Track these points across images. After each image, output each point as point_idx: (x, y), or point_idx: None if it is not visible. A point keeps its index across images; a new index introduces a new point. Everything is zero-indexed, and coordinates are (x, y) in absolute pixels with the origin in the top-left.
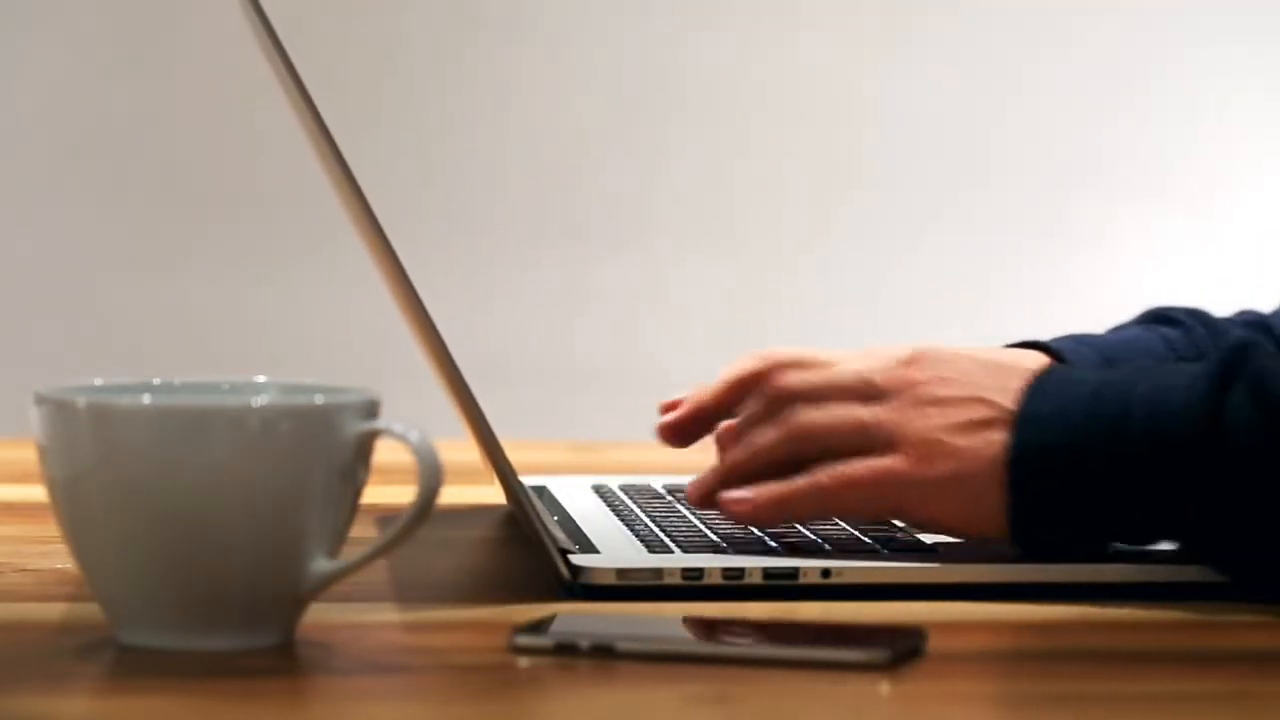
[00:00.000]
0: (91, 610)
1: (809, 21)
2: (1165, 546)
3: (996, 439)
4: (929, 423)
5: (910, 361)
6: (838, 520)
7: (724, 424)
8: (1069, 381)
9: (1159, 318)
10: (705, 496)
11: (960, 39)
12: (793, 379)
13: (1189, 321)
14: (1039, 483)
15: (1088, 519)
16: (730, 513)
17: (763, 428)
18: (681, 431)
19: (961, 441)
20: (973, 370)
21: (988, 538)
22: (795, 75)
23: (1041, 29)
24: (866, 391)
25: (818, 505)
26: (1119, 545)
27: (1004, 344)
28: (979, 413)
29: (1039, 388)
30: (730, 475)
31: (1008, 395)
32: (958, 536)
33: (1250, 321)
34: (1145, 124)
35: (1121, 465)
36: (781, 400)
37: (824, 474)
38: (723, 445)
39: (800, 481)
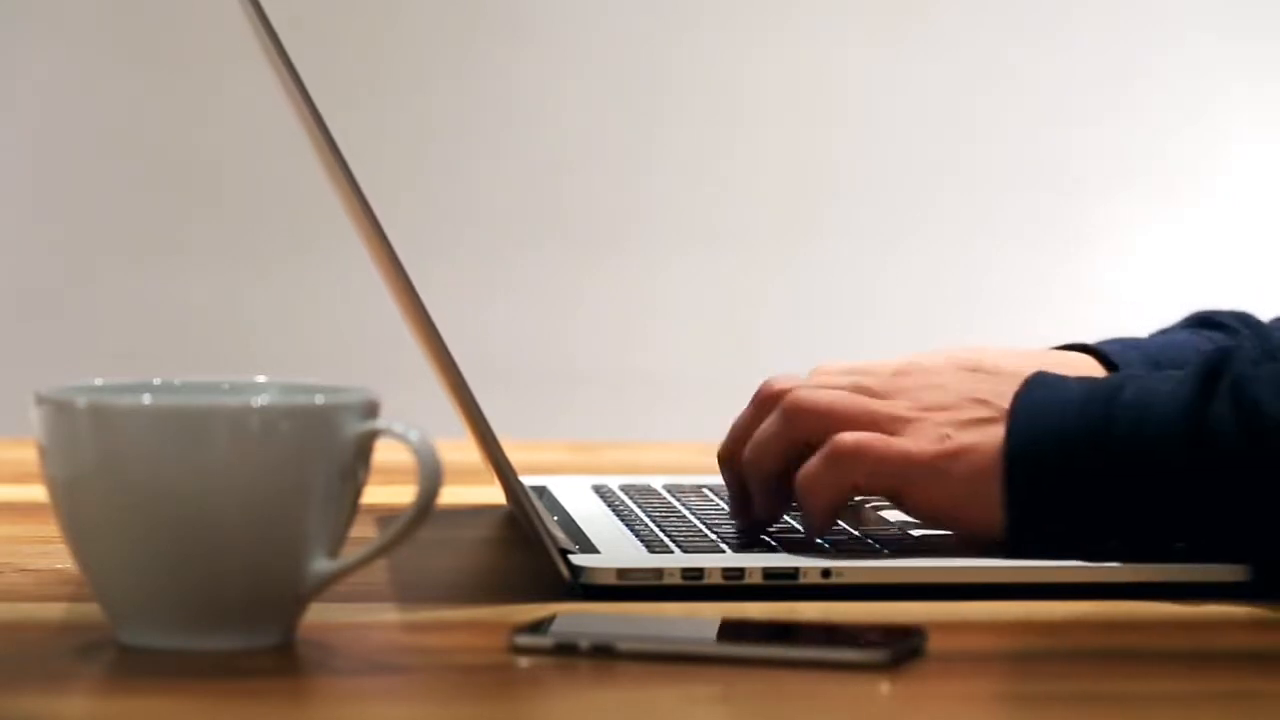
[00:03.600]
0: (91, 610)
1: (804, 23)
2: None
3: (996, 433)
4: (934, 418)
5: (901, 372)
6: (840, 522)
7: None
8: (1060, 385)
9: (1204, 321)
10: (745, 517)
11: (953, 39)
12: (781, 381)
13: (1235, 325)
14: (1032, 477)
15: (1080, 517)
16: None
17: (765, 424)
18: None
19: (966, 436)
20: (964, 377)
21: (981, 536)
22: (791, 77)
23: (1036, 27)
24: (866, 394)
25: (834, 475)
26: (1115, 545)
27: (1052, 346)
28: (980, 411)
29: (1030, 391)
30: (750, 478)
31: (1004, 398)
32: (953, 530)
33: None
34: (1139, 123)
35: (1108, 469)
36: (775, 398)
37: (839, 440)
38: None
39: (815, 458)
